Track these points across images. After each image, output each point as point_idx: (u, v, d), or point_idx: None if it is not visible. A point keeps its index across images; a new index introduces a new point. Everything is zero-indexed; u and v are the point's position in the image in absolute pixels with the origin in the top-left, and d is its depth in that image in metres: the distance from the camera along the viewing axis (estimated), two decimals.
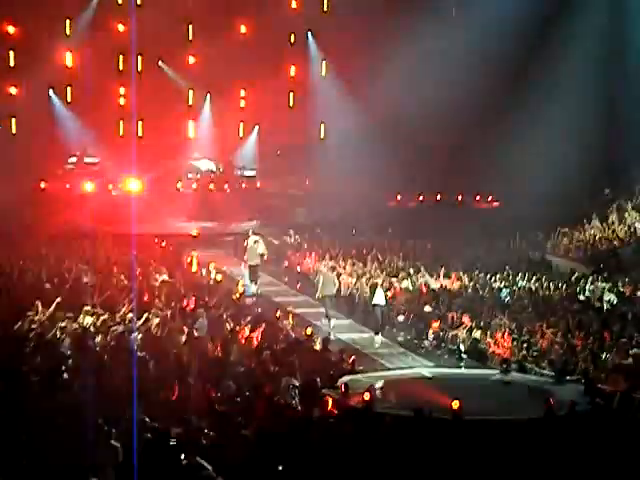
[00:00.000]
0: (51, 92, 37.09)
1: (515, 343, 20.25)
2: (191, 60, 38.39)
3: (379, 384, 18.16)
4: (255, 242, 26.61)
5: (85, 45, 36.87)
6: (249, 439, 13.48)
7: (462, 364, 20.35)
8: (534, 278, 25.72)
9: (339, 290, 24.20)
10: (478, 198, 36.55)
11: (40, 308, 19.06)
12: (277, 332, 20.20)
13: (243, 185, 38.13)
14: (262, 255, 26.61)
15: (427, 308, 23.28)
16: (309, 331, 20.41)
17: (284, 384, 16.56)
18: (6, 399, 14.38)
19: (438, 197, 36.95)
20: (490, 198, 36.52)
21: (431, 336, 21.83)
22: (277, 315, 21.80)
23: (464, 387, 17.21)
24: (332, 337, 21.51)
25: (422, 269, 26.33)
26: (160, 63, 37.83)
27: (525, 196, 32.76)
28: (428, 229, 32.01)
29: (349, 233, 32.33)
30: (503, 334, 20.66)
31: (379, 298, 22.62)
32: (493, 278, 25.55)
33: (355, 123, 36.28)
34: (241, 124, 39.24)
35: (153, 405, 14.64)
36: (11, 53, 35.51)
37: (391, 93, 34.37)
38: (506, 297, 24.06)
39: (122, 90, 37.95)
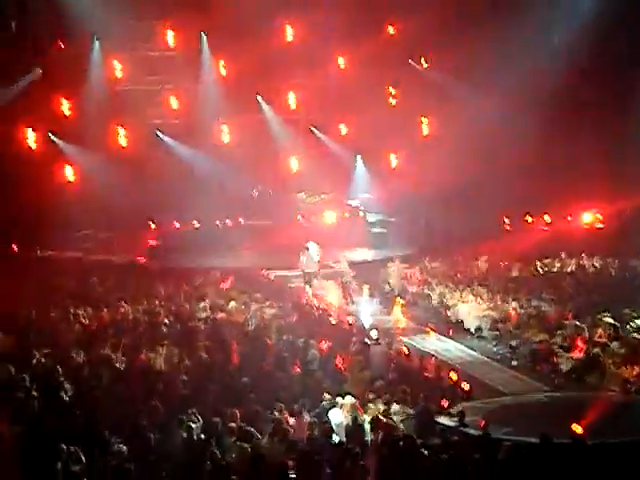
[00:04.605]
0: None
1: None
2: (291, 97, 38.45)
3: (495, 409, 17.86)
4: (308, 250, 28.09)
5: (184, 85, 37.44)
6: (366, 469, 13.43)
7: (578, 386, 19.85)
8: None
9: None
10: (588, 219, 35.62)
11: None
12: (388, 361, 20.09)
13: (346, 215, 38.02)
14: (318, 262, 28.31)
15: (536, 332, 22.83)
16: (420, 359, 20.24)
17: (397, 412, 16.49)
18: None
19: (548, 218, 35.99)
20: (602, 217, 35.54)
21: (543, 360, 21.38)
22: (387, 344, 21.71)
23: (584, 410, 16.72)
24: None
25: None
26: (258, 98, 38.10)
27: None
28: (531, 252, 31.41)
29: (454, 260, 31.89)
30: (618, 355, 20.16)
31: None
32: None
33: (454, 146, 35.89)
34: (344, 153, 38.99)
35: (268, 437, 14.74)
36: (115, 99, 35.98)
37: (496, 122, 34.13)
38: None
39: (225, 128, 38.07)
